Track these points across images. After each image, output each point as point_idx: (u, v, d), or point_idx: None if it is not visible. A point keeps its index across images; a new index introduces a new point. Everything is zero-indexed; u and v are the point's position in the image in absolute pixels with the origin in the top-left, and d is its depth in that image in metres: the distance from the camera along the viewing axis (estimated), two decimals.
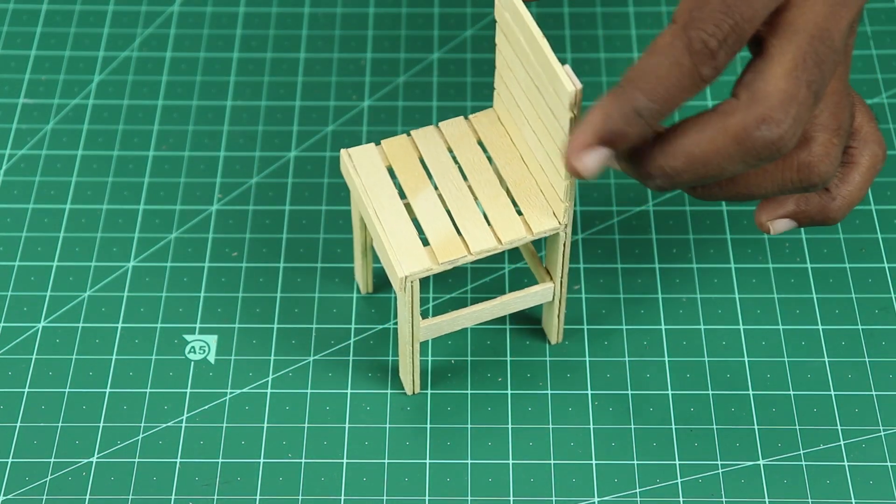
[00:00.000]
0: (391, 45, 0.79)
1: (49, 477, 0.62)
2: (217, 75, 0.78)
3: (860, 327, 0.67)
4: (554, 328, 0.66)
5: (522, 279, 0.69)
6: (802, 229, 0.70)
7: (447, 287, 0.69)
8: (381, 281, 0.69)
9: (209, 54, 0.79)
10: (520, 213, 0.61)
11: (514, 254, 0.70)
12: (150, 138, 0.75)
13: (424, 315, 0.67)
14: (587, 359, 0.66)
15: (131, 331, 0.67)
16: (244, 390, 0.65)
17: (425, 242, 0.61)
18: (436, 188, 0.62)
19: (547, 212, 0.61)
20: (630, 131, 0.53)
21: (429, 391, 0.65)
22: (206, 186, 0.73)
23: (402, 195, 0.65)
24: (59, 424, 0.64)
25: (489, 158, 0.63)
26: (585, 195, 0.72)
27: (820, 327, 0.67)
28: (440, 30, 0.80)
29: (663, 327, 0.67)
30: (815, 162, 0.56)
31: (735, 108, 0.53)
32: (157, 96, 0.77)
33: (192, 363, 0.66)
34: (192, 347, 0.67)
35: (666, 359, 0.66)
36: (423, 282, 0.69)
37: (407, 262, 0.59)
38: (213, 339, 0.67)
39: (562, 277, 0.63)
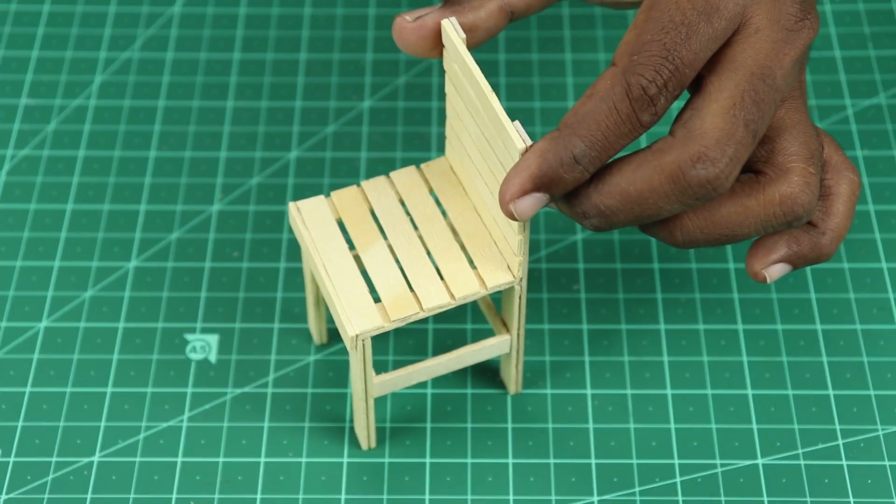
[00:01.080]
0: (391, 45, 0.79)
1: (51, 476, 0.63)
2: (218, 76, 0.78)
3: (858, 327, 0.67)
4: (512, 379, 0.64)
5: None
6: None
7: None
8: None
9: (210, 55, 0.79)
10: (473, 265, 0.59)
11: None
12: (152, 139, 0.75)
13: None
14: (587, 359, 0.66)
15: (132, 330, 0.67)
16: (245, 390, 0.65)
17: (377, 298, 0.58)
18: (387, 241, 0.60)
19: (501, 265, 0.59)
20: (567, 177, 0.52)
21: (429, 390, 0.65)
22: (206, 187, 0.73)
23: (353, 248, 0.61)
24: (61, 424, 0.64)
25: (442, 209, 0.59)
26: None
27: (818, 327, 0.67)
28: None
29: (663, 327, 0.67)
30: (796, 193, 0.54)
31: (671, 146, 0.52)
32: (158, 97, 0.77)
33: (193, 363, 0.66)
34: (193, 347, 0.67)
35: (665, 359, 0.66)
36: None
37: (357, 320, 0.57)
38: (213, 339, 0.67)
39: (518, 329, 0.61)
